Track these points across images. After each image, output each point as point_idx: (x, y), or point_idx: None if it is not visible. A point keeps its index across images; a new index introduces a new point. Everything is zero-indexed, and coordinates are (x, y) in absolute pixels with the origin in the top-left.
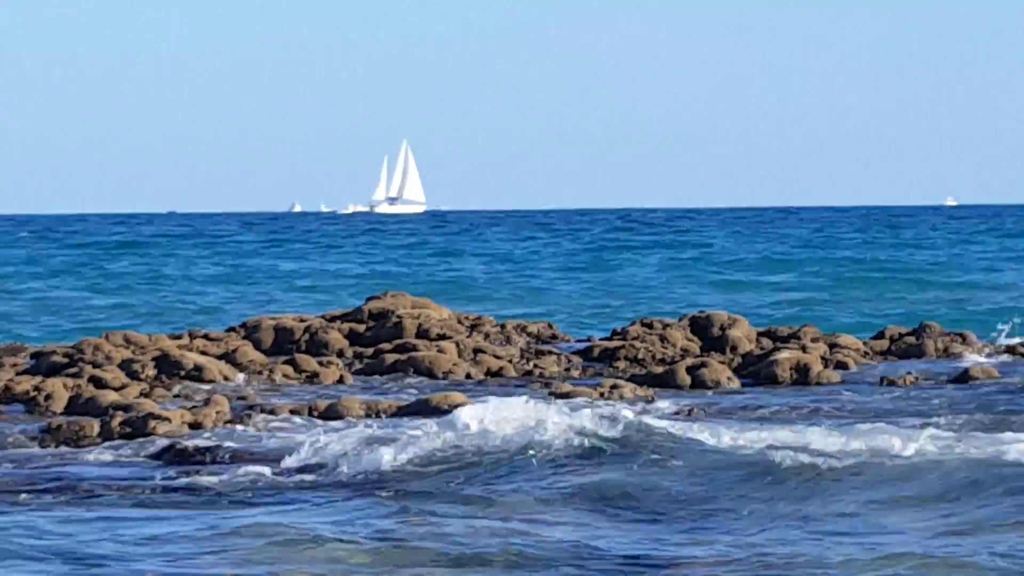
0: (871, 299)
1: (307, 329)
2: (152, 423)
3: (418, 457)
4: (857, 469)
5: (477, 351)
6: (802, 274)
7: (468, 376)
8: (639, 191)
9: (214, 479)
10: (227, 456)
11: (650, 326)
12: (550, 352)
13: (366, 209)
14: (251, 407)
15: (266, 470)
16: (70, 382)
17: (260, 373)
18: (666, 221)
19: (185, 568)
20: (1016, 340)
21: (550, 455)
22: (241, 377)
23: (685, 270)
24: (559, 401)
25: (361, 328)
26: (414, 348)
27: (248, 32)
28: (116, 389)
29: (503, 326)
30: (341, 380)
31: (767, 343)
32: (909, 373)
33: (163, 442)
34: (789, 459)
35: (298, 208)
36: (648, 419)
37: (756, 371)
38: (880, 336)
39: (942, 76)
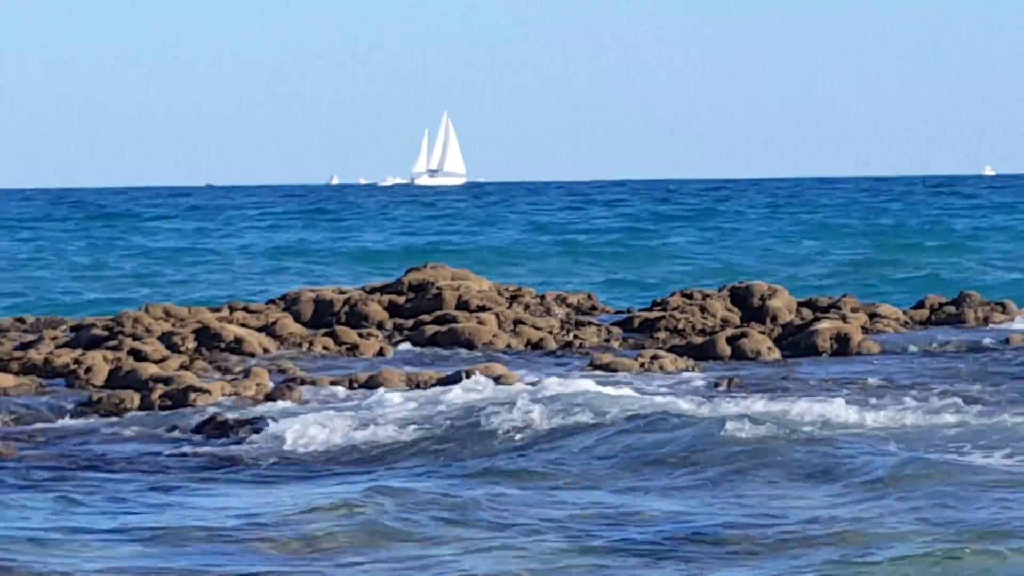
0: (912, 268)
1: (347, 301)
2: (192, 395)
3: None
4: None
5: (517, 322)
6: (843, 244)
7: (508, 347)
8: (677, 162)
9: (253, 451)
10: (266, 428)
11: (690, 297)
12: (590, 323)
13: (405, 181)
14: (291, 379)
15: (302, 442)
16: (110, 355)
17: (300, 345)
18: (704, 191)
19: (227, 542)
20: None
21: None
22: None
23: (725, 240)
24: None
25: (401, 300)
26: (454, 320)
27: (290, 4)
28: (156, 362)
29: (543, 297)
30: (381, 352)
31: (807, 313)
32: (949, 342)
33: (203, 414)
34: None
35: (336, 180)
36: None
37: (796, 341)
38: (920, 306)
39: (979, 45)
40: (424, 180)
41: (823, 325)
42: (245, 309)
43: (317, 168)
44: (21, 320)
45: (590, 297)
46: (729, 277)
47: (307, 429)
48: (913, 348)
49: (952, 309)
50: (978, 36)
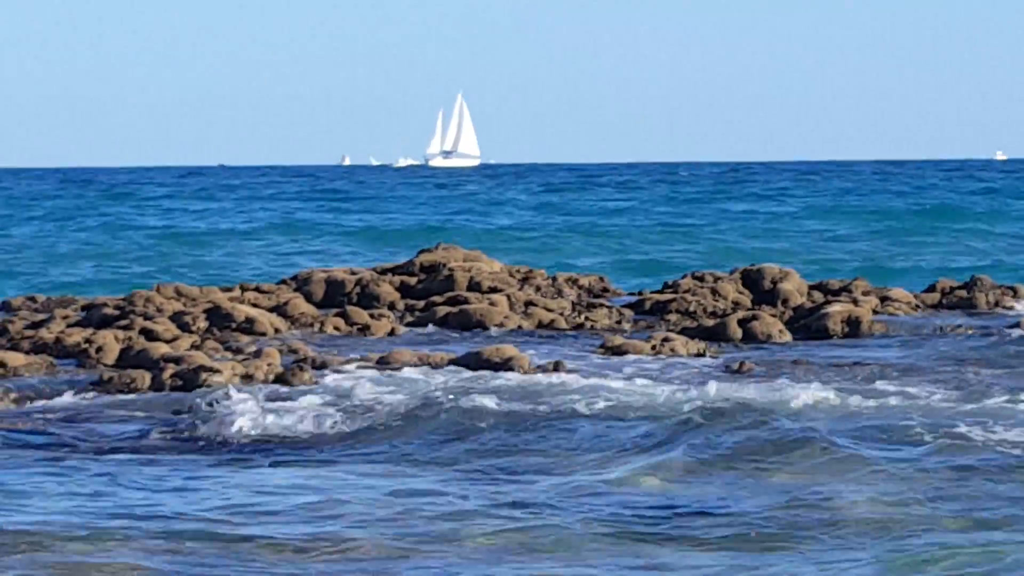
0: (923, 252)
1: (358, 282)
2: (203, 375)
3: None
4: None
5: (528, 304)
6: (854, 226)
7: (519, 328)
8: (692, 145)
9: (262, 431)
10: (276, 407)
11: (701, 279)
12: (601, 305)
13: (418, 162)
14: (302, 360)
15: (311, 423)
16: (121, 334)
17: (311, 326)
18: (719, 174)
19: (235, 521)
20: None
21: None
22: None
23: (737, 222)
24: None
25: (412, 281)
26: (465, 301)
27: None
28: (167, 341)
29: (554, 279)
30: (392, 333)
31: (818, 296)
32: (960, 326)
33: (213, 394)
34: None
35: (347, 161)
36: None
37: (807, 324)
38: (931, 289)
39: (990, 32)
40: (438, 161)
41: (834, 308)
42: (256, 289)
43: (329, 149)
44: (32, 299)
45: (602, 279)
46: (741, 260)
47: (312, 410)
48: (922, 332)
49: (963, 293)
50: (989, 24)
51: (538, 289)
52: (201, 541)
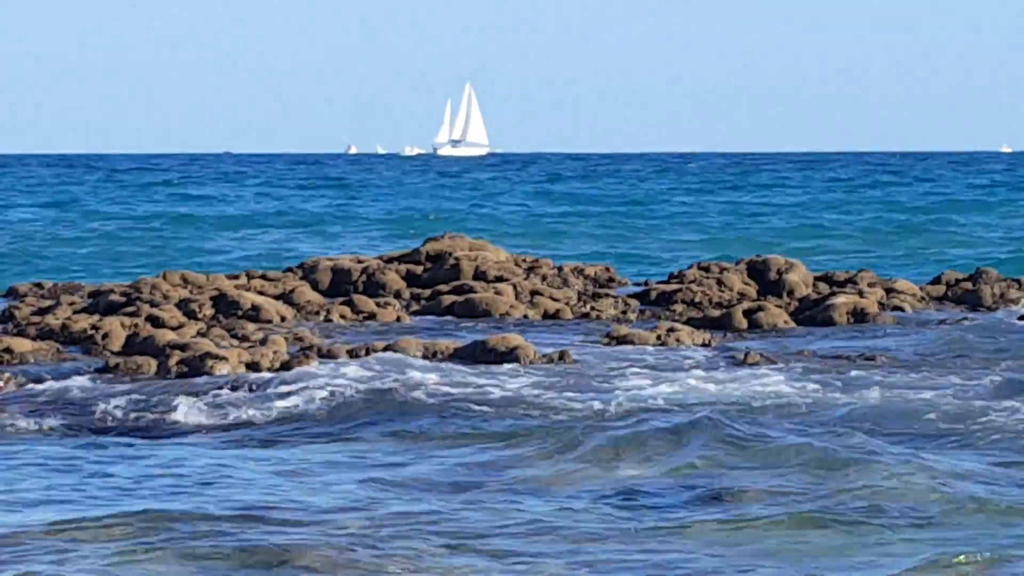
0: (929, 244)
1: (364, 270)
2: (209, 362)
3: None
4: None
5: (534, 293)
6: (861, 217)
7: (525, 318)
8: (699, 135)
9: (268, 417)
10: (283, 395)
11: (707, 269)
12: (607, 295)
13: (426, 151)
14: (308, 347)
15: (314, 409)
16: (127, 321)
17: (317, 314)
18: (726, 165)
19: (241, 502)
20: None
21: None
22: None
23: (745, 213)
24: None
25: (418, 269)
26: (471, 290)
27: None
28: (173, 328)
29: (560, 268)
30: (398, 321)
31: (824, 287)
32: (964, 318)
33: (219, 381)
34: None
35: (354, 150)
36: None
37: (813, 315)
38: (937, 281)
39: (997, 25)
40: (446, 151)
41: (839, 299)
42: (263, 277)
43: (333, 137)
44: (39, 285)
45: (607, 269)
46: (747, 250)
47: (315, 396)
48: (929, 323)
49: (969, 285)
50: (996, 16)
51: (544, 279)
52: (193, 521)
